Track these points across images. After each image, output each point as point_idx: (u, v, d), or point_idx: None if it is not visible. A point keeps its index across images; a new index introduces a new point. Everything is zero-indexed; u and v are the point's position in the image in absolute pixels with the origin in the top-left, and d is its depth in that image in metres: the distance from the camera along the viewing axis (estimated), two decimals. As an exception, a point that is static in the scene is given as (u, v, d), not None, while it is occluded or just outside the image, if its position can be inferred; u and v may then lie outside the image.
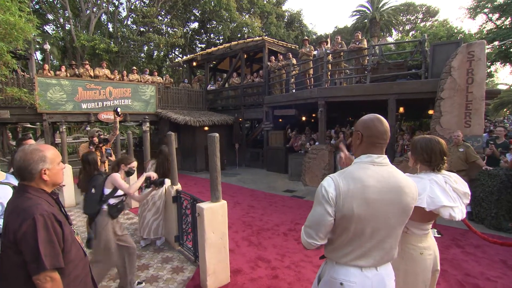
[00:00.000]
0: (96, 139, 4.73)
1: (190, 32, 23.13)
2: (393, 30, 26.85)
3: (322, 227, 1.30)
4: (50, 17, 18.99)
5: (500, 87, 27.78)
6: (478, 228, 3.96)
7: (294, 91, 9.82)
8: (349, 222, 1.27)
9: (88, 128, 10.00)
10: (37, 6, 17.89)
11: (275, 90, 10.97)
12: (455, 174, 1.78)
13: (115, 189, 2.82)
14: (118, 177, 2.84)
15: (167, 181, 4.07)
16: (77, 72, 9.90)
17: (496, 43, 16.82)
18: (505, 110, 28.68)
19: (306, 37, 11.63)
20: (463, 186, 1.71)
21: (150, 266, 3.55)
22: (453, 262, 3.62)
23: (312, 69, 9.64)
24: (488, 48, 16.71)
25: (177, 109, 11.87)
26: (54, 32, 18.86)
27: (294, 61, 10.27)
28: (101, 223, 2.72)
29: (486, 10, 18.03)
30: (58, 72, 9.70)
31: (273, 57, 11.15)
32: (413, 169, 1.86)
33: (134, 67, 11.36)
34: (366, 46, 8.42)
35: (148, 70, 12.25)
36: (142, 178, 3.00)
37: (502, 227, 4.63)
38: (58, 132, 9.21)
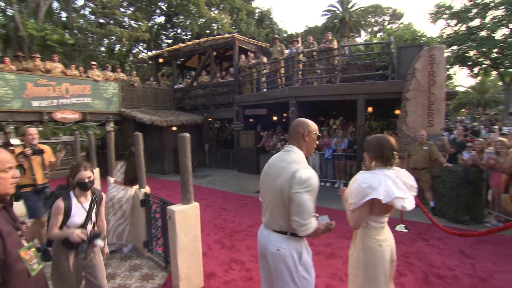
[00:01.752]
0: (28, 151, 3.71)
1: (155, 27, 22.50)
2: (362, 31, 28.22)
3: None
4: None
5: (458, 89, 30.32)
6: (440, 222, 4.34)
7: (265, 90, 9.98)
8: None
9: (41, 129, 9.28)
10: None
11: (246, 89, 11.06)
12: (404, 170, 2.01)
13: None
14: (55, 208, 2.12)
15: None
16: (25, 66, 9.15)
17: (455, 47, 18.39)
18: (463, 110, 31.34)
19: (277, 36, 11.86)
20: (411, 180, 1.95)
21: (117, 275, 3.45)
22: (418, 255, 3.93)
23: (283, 68, 9.86)
24: (447, 52, 18.23)
25: (143, 108, 11.52)
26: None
27: (265, 59, 10.43)
28: (54, 250, 2.21)
29: (445, 16, 19.62)
30: (1, 65, 8.85)
31: (243, 55, 11.23)
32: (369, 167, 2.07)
33: (94, 63, 10.78)
34: (336, 47, 8.79)
35: (110, 66, 11.71)
36: (70, 234, 2.04)
37: (460, 220, 5.10)
38: (3, 132, 8.49)
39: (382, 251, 1.94)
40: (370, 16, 31.06)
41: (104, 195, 2.47)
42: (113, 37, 18.54)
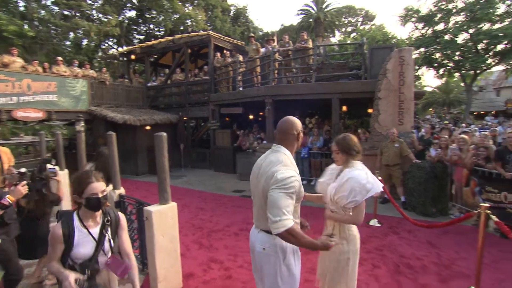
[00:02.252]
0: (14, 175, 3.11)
1: (126, 21, 21.74)
2: (336, 31, 29.03)
3: None
4: None
5: (426, 89, 32.15)
6: (410, 215, 4.62)
7: (241, 89, 10.01)
8: None
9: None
10: None
11: (222, 88, 11.03)
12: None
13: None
14: (51, 238, 1.65)
15: None
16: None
17: (422, 49, 19.48)
18: (430, 109, 33.22)
19: (253, 34, 11.93)
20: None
21: (89, 280, 3.34)
22: (390, 247, 4.16)
23: (259, 67, 9.94)
24: (415, 54, 19.29)
25: (114, 106, 11.13)
26: None
27: (241, 58, 10.44)
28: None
29: (413, 19, 20.73)
30: None
31: (218, 53, 11.18)
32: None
33: (60, 58, 10.22)
34: (311, 46, 9.01)
35: (77, 62, 11.17)
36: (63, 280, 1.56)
37: (428, 213, 5.45)
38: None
39: (358, 237, 2.16)
40: (344, 16, 32.04)
41: (122, 216, 1.92)
42: (80, 31, 17.66)
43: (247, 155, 9.14)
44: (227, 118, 11.56)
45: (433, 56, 19.97)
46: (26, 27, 15.02)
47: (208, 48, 11.30)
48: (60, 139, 5.81)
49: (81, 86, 10.08)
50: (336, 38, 29.01)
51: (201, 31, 13.33)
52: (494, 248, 3.98)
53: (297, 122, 1.87)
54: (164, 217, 3.01)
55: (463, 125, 11.99)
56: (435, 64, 20.94)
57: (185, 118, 11.83)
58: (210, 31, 11.84)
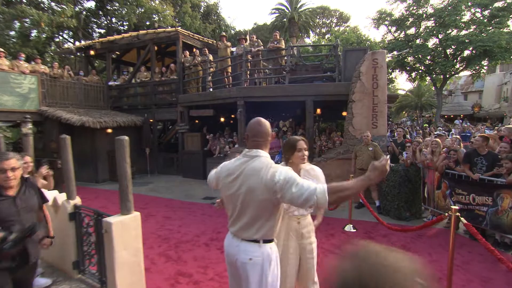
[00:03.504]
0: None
1: (84, 13, 20.80)
2: (310, 32, 29.81)
3: None
4: None
5: (399, 92, 33.91)
6: (385, 220, 4.81)
7: (211, 89, 9.93)
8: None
9: None
10: None
11: (191, 89, 10.87)
12: None
13: None
14: None
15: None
16: None
17: (395, 52, 20.57)
18: (404, 112, 35.05)
19: (224, 33, 11.92)
20: None
21: (38, 303, 3.11)
22: (365, 253, 4.29)
23: (230, 67, 9.93)
24: (388, 57, 20.32)
25: (70, 107, 10.55)
26: None
27: (211, 57, 10.36)
28: None
29: (386, 23, 21.85)
30: None
31: (187, 51, 11.02)
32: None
33: (1, 49, 9.43)
34: (284, 46, 9.16)
35: (23, 55, 10.37)
36: None
37: (402, 216, 5.71)
38: None
39: None
40: (318, 17, 33.01)
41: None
42: (27, 20, 16.54)
43: (218, 160, 9.01)
44: (196, 121, 11.40)
45: (405, 60, 21.16)
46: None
47: (176, 46, 11.10)
48: (1, 142, 5.38)
49: (29, 83, 9.42)
50: (311, 39, 29.82)
51: (169, 27, 13.04)
52: (464, 250, 4.26)
53: (268, 124, 1.92)
54: (126, 228, 2.89)
55: (440, 128, 12.75)
56: (408, 68, 22.20)
57: (151, 120, 11.51)
58: (179, 28, 11.65)
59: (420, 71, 22.27)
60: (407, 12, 20.43)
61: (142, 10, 20.32)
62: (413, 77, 23.54)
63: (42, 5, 18.01)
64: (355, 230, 5.20)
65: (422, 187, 5.90)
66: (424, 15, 19.86)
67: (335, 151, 7.44)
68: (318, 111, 9.63)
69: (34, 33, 18.94)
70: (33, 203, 2.32)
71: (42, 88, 9.77)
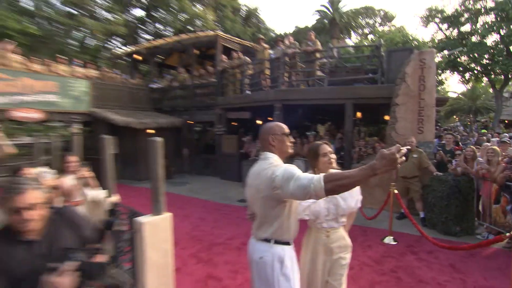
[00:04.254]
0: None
1: (133, 21, 22.16)
2: (352, 33, 28.89)
3: None
4: None
5: (450, 94, 31.47)
6: (430, 234, 4.41)
7: (248, 92, 9.93)
8: None
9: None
10: None
11: (229, 91, 10.98)
12: None
13: None
14: None
15: None
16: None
17: (446, 52, 19.10)
18: (454, 117, 32.48)
19: (262, 36, 11.92)
20: None
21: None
22: (407, 270, 3.94)
23: (268, 70, 9.87)
24: (438, 57, 18.90)
25: (117, 108, 11.22)
26: None
27: (249, 60, 10.38)
28: None
29: (437, 20, 20.38)
30: None
31: (223, 56, 11.15)
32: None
33: (61, 56, 10.40)
34: (320, 47, 8.87)
35: (79, 61, 11.37)
36: None
37: (451, 231, 5.18)
38: None
39: None
40: (361, 17, 31.82)
41: None
42: (84, 29, 18.06)
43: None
44: (234, 123, 11.50)
45: (458, 60, 19.54)
46: (29, 25, 15.42)
47: (216, 49, 11.32)
48: (57, 140, 5.81)
49: (82, 87, 10.20)
50: (352, 40, 28.87)
51: (209, 31, 13.40)
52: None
53: (269, 126, 1.96)
54: (156, 229, 2.92)
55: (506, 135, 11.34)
56: (460, 68, 20.48)
57: (190, 122, 11.83)
58: (218, 32, 11.89)
59: (475, 72, 20.41)
60: (462, 7, 18.86)
61: (186, 16, 21.15)
62: (466, 78, 21.66)
63: (97, 15, 19.49)
64: (395, 243, 4.82)
65: (475, 200, 5.32)
66: (483, 9, 18.15)
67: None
68: (359, 114, 9.19)
69: (90, 41, 20.63)
70: (73, 243, 1.51)
71: (93, 91, 10.52)
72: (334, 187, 1.46)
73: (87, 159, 4.82)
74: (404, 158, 1.31)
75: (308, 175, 1.58)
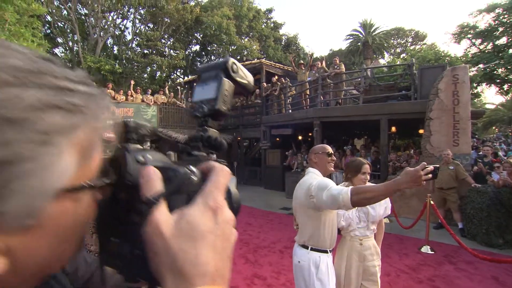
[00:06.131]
0: None
1: (191, 54, 23.75)
2: (385, 53, 27.65)
3: None
4: (60, 40, 19.43)
5: (487, 106, 28.31)
6: (470, 245, 3.99)
7: (290, 111, 10.00)
8: None
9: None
10: (48, 31, 18.39)
11: (273, 110, 11.17)
12: None
13: None
14: None
15: None
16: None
17: (481, 66, 17.39)
18: (493, 128, 29.05)
19: (302, 61, 12.02)
20: None
21: None
22: (446, 279, 3.60)
23: (308, 90, 9.88)
24: (473, 71, 17.26)
25: (178, 128, 12.00)
26: (63, 54, 19.29)
27: (289, 83, 10.53)
28: None
29: (469, 36, 18.75)
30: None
31: (264, 83, 11.32)
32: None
33: (138, 87, 11.59)
34: (343, 70, 8.76)
35: (150, 90, 12.45)
36: None
37: (493, 243, 4.62)
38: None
39: None
40: (392, 38, 30.39)
41: None
42: (154, 65, 19.85)
43: (295, 174, 8.94)
44: (277, 139, 11.60)
45: (495, 72, 17.66)
46: (116, 65, 17.49)
47: (260, 74, 11.65)
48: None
49: (152, 111, 11.17)
50: (385, 59, 27.60)
51: (255, 59, 13.86)
52: None
53: (317, 147, 2.06)
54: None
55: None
56: (498, 80, 18.46)
57: (239, 138, 12.18)
58: (262, 59, 12.27)
59: (514, 83, 18.26)
60: (496, 22, 17.17)
61: (234, 48, 22.12)
62: (505, 89, 19.42)
63: (164, 53, 21.32)
64: (433, 252, 4.42)
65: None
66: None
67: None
68: (393, 129, 8.73)
69: (158, 73, 22.58)
70: None
71: (160, 114, 11.42)
72: (359, 199, 1.47)
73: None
74: (430, 175, 1.26)
75: (339, 188, 1.60)
